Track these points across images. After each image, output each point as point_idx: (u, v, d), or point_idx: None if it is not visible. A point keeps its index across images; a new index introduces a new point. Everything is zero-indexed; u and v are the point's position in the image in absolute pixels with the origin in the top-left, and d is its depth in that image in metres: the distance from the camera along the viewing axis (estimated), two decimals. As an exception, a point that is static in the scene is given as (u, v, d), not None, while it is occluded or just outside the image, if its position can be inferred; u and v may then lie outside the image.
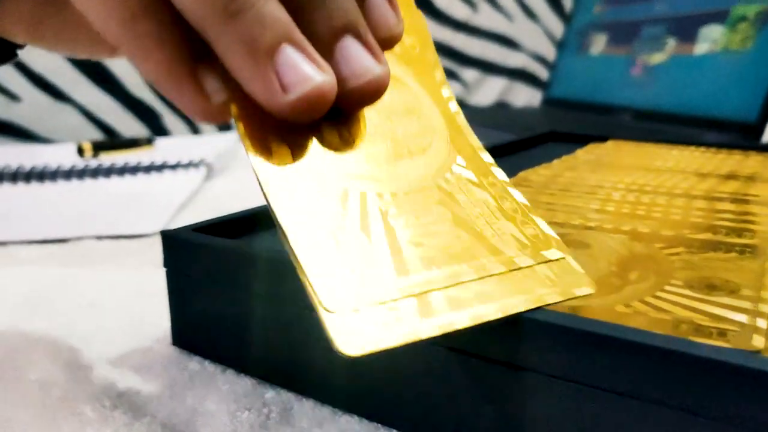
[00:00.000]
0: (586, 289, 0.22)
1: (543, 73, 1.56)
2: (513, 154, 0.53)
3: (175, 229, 0.30)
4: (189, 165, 0.57)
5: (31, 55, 1.15)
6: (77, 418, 0.25)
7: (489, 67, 1.52)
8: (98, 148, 0.62)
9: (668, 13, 0.86)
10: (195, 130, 1.28)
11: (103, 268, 0.42)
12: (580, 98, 0.97)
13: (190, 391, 0.27)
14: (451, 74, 1.48)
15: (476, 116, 0.91)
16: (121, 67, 1.20)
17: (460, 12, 1.47)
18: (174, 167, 0.56)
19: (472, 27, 1.49)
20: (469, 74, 1.50)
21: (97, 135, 1.19)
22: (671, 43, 0.84)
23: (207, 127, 1.30)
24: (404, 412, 0.24)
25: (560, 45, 0.96)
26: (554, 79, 0.98)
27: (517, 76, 1.55)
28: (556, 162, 0.44)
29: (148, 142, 0.64)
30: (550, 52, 1.56)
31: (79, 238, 0.46)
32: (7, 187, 0.55)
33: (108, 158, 0.61)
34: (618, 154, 0.47)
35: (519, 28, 1.53)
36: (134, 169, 0.57)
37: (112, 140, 0.63)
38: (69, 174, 0.56)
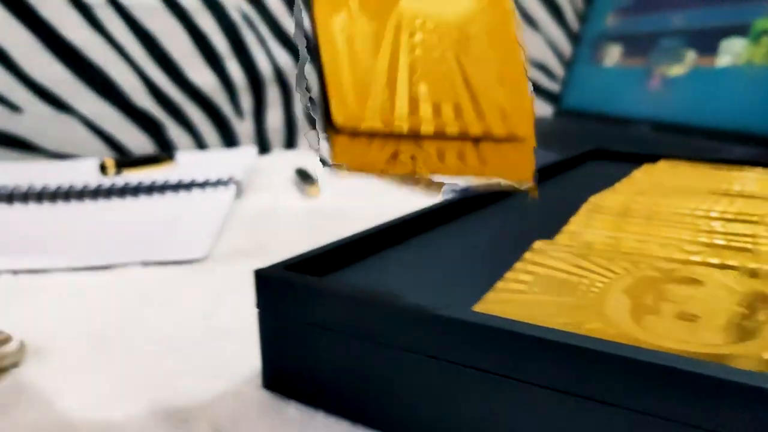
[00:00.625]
0: None
1: (546, 82, 1.56)
2: (558, 174, 0.52)
3: (268, 268, 0.29)
4: (218, 183, 0.55)
5: (32, 65, 1.12)
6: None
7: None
8: (121, 165, 0.60)
9: (686, 25, 0.86)
10: (200, 145, 1.26)
11: (161, 298, 0.40)
12: (594, 109, 0.97)
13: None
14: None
15: None
16: (124, 77, 1.17)
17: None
18: (202, 186, 0.55)
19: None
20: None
21: (101, 146, 1.16)
22: (691, 55, 0.84)
23: (215, 142, 1.28)
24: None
25: (572, 55, 0.96)
26: (567, 89, 0.98)
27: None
28: (618, 186, 0.43)
29: (170, 157, 0.62)
30: (553, 62, 1.57)
31: (124, 265, 0.45)
32: (33, 208, 0.53)
33: (131, 176, 0.59)
34: (679, 175, 0.46)
35: (522, 37, 1.53)
36: (162, 188, 0.55)
37: (133, 157, 0.62)
38: (96, 193, 0.54)
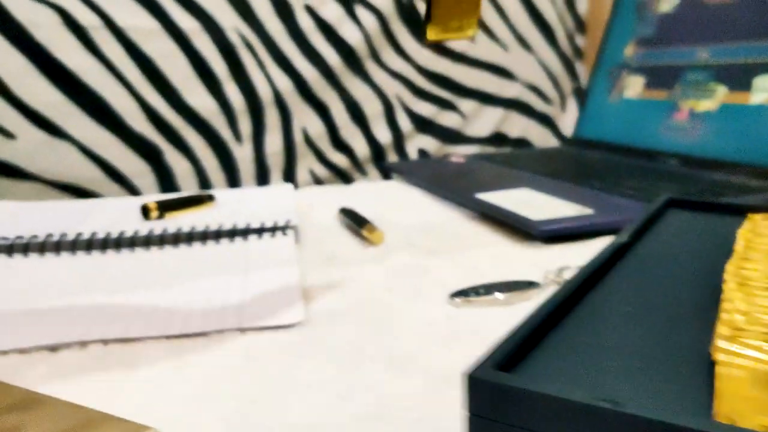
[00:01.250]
0: None
1: (540, 105, 1.57)
2: (650, 227, 0.51)
3: (479, 370, 0.26)
4: (275, 229, 0.51)
5: (26, 89, 1.05)
6: None
7: (486, 98, 1.51)
8: (163, 207, 0.55)
9: (713, 60, 0.87)
10: (199, 172, 1.21)
11: (280, 372, 0.37)
12: (614, 140, 0.96)
13: None
14: (449, 105, 1.47)
15: (501, 157, 0.89)
16: (120, 101, 1.12)
17: (458, 43, 1.46)
18: (259, 232, 0.51)
19: (470, 58, 1.48)
20: (467, 105, 1.49)
21: (97, 172, 1.10)
22: (721, 90, 0.84)
23: (213, 166, 1.23)
24: None
25: (588, 84, 0.95)
26: (584, 119, 0.97)
27: (513, 107, 1.55)
28: (742, 250, 0.42)
29: (210, 198, 0.58)
30: (546, 84, 1.58)
31: (220, 332, 0.41)
32: (88, 259, 0.48)
33: (175, 219, 0.55)
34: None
35: (514, 58, 1.53)
36: (216, 235, 0.51)
37: (173, 198, 0.57)
38: (148, 242, 0.50)
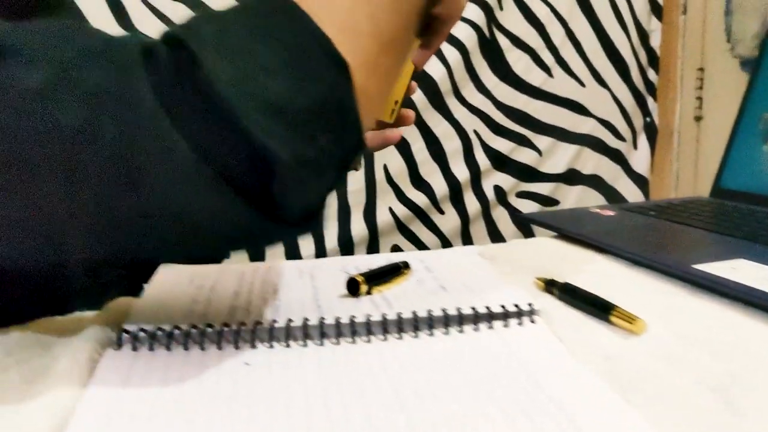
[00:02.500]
0: None
1: (610, 139, 1.52)
2: None
3: None
4: (520, 314, 0.45)
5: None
6: None
7: (561, 134, 1.47)
8: (370, 281, 0.49)
9: None
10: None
11: None
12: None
13: None
14: (526, 142, 1.42)
15: (645, 209, 0.82)
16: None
17: (537, 77, 1.41)
18: (504, 317, 0.44)
19: (547, 93, 1.43)
20: (543, 141, 1.44)
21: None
22: None
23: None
24: None
25: (732, 132, 0.90)
26: (728, 167, 0.92)
27: (586, 143, 1.50)
28: None
29: (407, 266, 0.53)
30: (618, 120, 1.53)
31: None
32: (293, 351, 0.40)
33: (382, 294, 0.49)
34: None
35: (589, 93, 1.49)
36: (445, 320, 0.43)
37: (374, 270, 0.51)
38: (369, 329, 0.42)
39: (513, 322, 0.43)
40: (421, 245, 1.30)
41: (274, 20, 0.31)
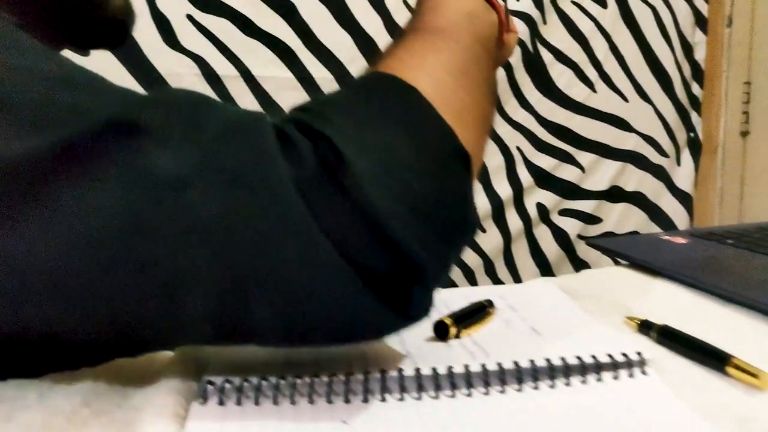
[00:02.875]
0: None
1: (653, 155, 1.48)
2: None
3: None
4: (629, 364, 0.41)
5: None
6: None
7: (604, 150, 1.43)
8: (457, 322, 0.46)
9: None
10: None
11: None
12: None
13: None
14: (568, 158, 1.38)
15: (721, 236, 0.78)
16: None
17: (580, 92, 1.38)
18: (613, 367, 0.40)
19: (590, 109, 1.40)
20: (586, 158, 1.41)
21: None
22: None
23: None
24: None
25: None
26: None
27: (629, 159, 1.46)
28: None
29: (491, 304, 0.50)
30: (660, 134, 1.49)
31: None
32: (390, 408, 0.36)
33: (471, 337, 0.46)
34: None
35: (632, 108, 1.45)
36: (550, 372, 0.39)
37: (464, 310, 0.48)
38: (469, 383, 0.38)
39: (623, 373, 0.39)
40: (463, 266, 1.26)
41: (404, 110, 0.31)
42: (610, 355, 0.40)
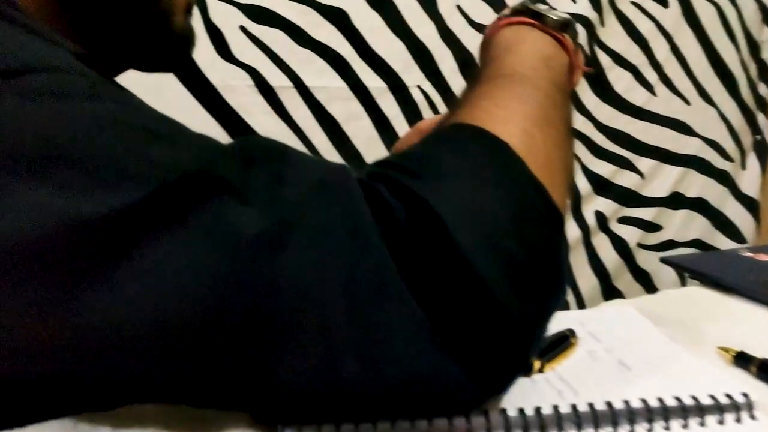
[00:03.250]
0: None
1: (717, 160, 1.41)
2: None
3: None
4: (736, 407, 0.37)
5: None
6: None
7: (665, 156, 1.37)
8: (541, 355, 0.44)
9: None
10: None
11: None
12: None
13: None
14: (627, 164, 1.33)
15: None
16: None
17: (640, 96, 1.33)
18: (718, 410, 0.37)
19: (650, 113, 1.35)
20: (646, 164, 1.35)
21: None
22: None
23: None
24: None
25: None
26: None
27: (691, 165, 1.40)
28: None
29: (572, 333, 0.47)
30: (726, 140, 1.42)
31: None
32: None
33: (555, 372, 0.43)
34: None
35: (694, 112, 1.39)
36: (648, 414, 0.36)
37: (544, 343, 0.45)
38: (559, 422, 0.35)
39: (729, 417, 0.36)
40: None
41: (498, 168, 0.29)
42: (713, 397, 0.37)
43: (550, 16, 0.38)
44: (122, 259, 0.23)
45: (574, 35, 0.40)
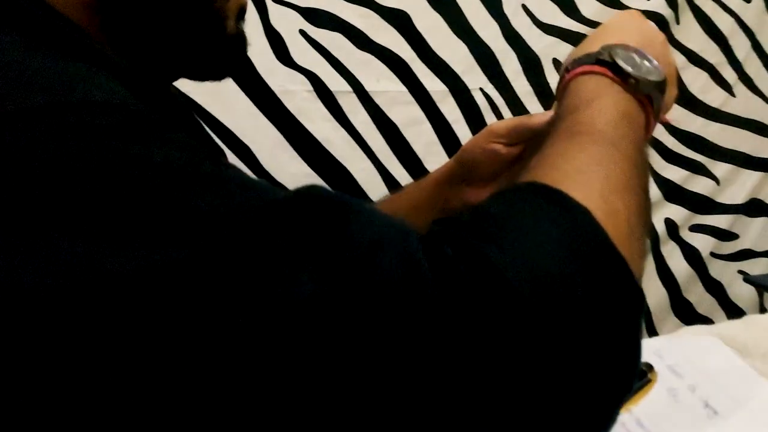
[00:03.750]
0: None
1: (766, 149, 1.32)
2: None
3: None
4: None
5: (274, 162, 0.97)
6: None
7: (742, 160, 1.30)
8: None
9: None
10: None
11: None
12: None
13: None
14: (701, 169, 1.26)
15: None
16: (362, 173, 1.02)
17: (716, 97, 1.26)
18: None
19: (726, 114, 1.27)
20: (721, 168, 1.28)
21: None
22: None
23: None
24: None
25: None
26: None
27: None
28: None
29: (650, 368, 0.43)
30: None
31: None
32: None
33: (631, 413, 0.40)
34: None
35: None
36: None
37: None
38: None
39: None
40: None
41: (578, 237, 0.27)
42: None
43: (638, 78, 0.35)
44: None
45: (659, 96, 0.37)
